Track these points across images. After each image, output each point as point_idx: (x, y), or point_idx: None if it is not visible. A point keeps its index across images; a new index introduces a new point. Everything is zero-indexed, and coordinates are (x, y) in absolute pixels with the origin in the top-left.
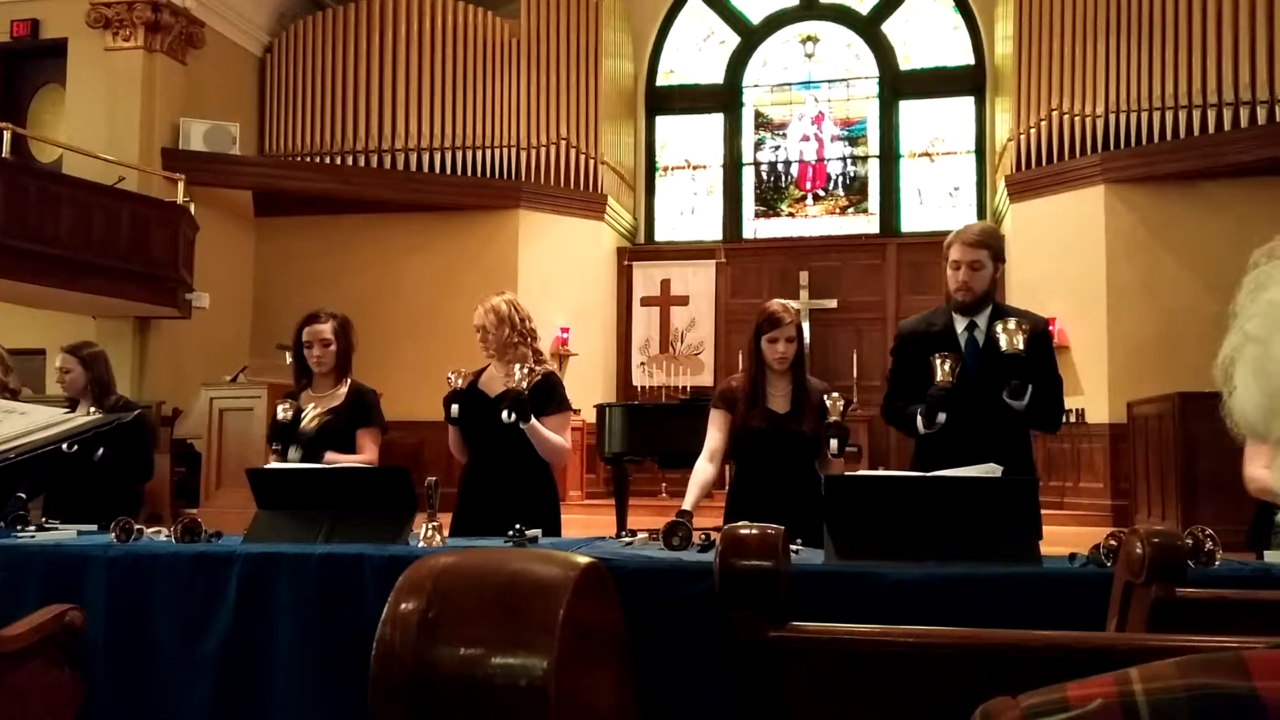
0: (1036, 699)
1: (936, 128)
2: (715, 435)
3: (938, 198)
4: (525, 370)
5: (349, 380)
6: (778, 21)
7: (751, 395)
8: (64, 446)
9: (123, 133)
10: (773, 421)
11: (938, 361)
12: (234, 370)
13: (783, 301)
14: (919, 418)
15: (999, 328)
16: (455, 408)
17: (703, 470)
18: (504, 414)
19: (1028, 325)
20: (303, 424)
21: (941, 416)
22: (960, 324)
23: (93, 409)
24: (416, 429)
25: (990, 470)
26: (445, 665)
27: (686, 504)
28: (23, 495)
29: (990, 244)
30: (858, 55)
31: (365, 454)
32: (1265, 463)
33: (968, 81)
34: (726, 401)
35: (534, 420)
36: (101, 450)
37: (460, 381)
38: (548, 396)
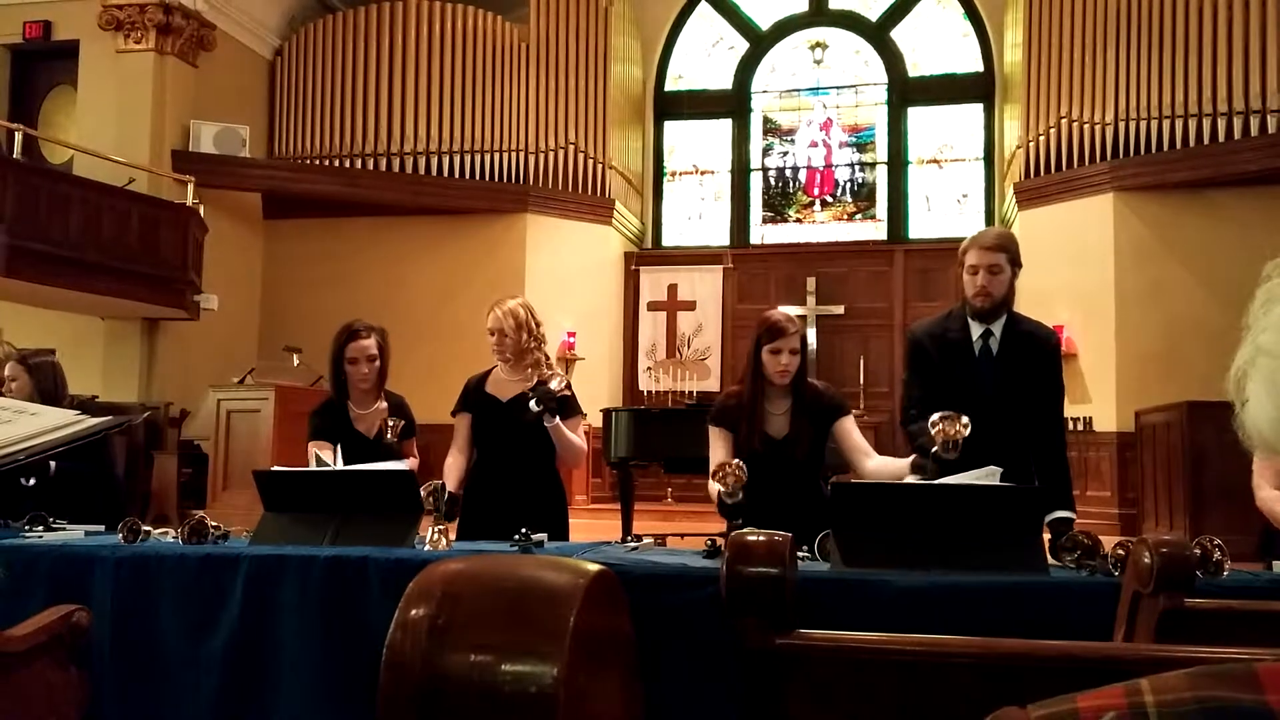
0: (1046, 710)
1: (945, 134)
2: (719, 455)
3: (946, 204)
4: (562, 384)
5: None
6: (787, 27)
7: (749, 417)
8: (21, 480)
9: (133, 134)
10: (771, 448)
11: (952, 429)
12: (241, 372)
13: (786, 310)
14: (926, 467)
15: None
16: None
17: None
18: (532, 402)
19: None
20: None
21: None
22: (975, 331)
23: None
24: (423, 432)
25: (990, 474)
26: (455, 671)
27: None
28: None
29: (1008, 248)
30: (866, 62)
31: (411, 459)
32: (1273, 481)
33: (976, 88)
34: (727, 420)
35: (557, 419)
36: (54, 465)
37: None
38: (565, 401)
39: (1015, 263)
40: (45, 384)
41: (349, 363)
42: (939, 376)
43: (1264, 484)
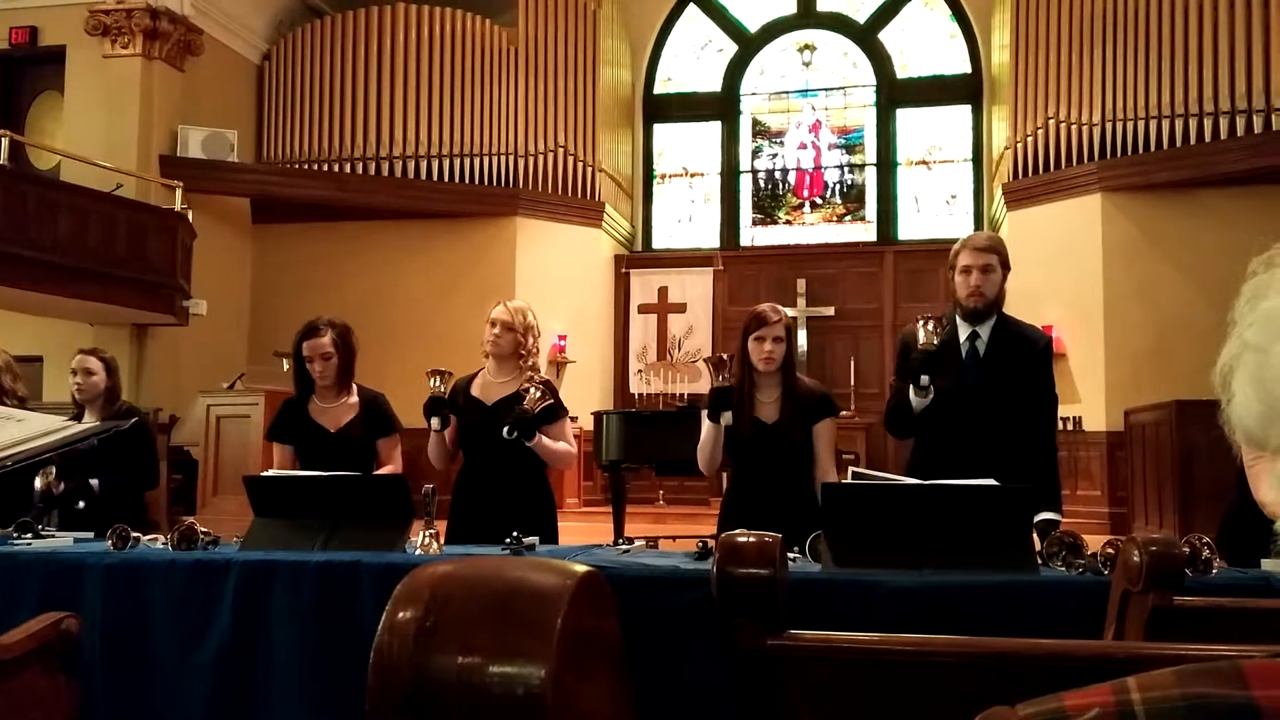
0: (1034, 708)
1: (933, 136)
2: None
3: (935, 206)
4: (539, 394)
5: (354, 387)
6: (775, 30)
7: (740, 401)
8: (54, 488)
9: (121, 140)
10: (761, 433)
11: (919, 324)
12: (231, 377)
13: (772, 304)
14: (910, 390)
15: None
16: (437, 421)
17: None
18: (505, 430)
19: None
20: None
21: (925, 379)
22: (963, 332)
23: (94, 417)
24: (413, 436)
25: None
26: (443, 674)
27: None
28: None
29: (999, 250)
30: (855, 64)
31: (391, 465)
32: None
33: (964, 90)
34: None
35: (538, 436)
36: (97, 483)
37: (440, 384)
38: (552, 406)
39: (1005, 264)
40: (115, 381)
41: (306, 360)
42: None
43: (1261, 485)
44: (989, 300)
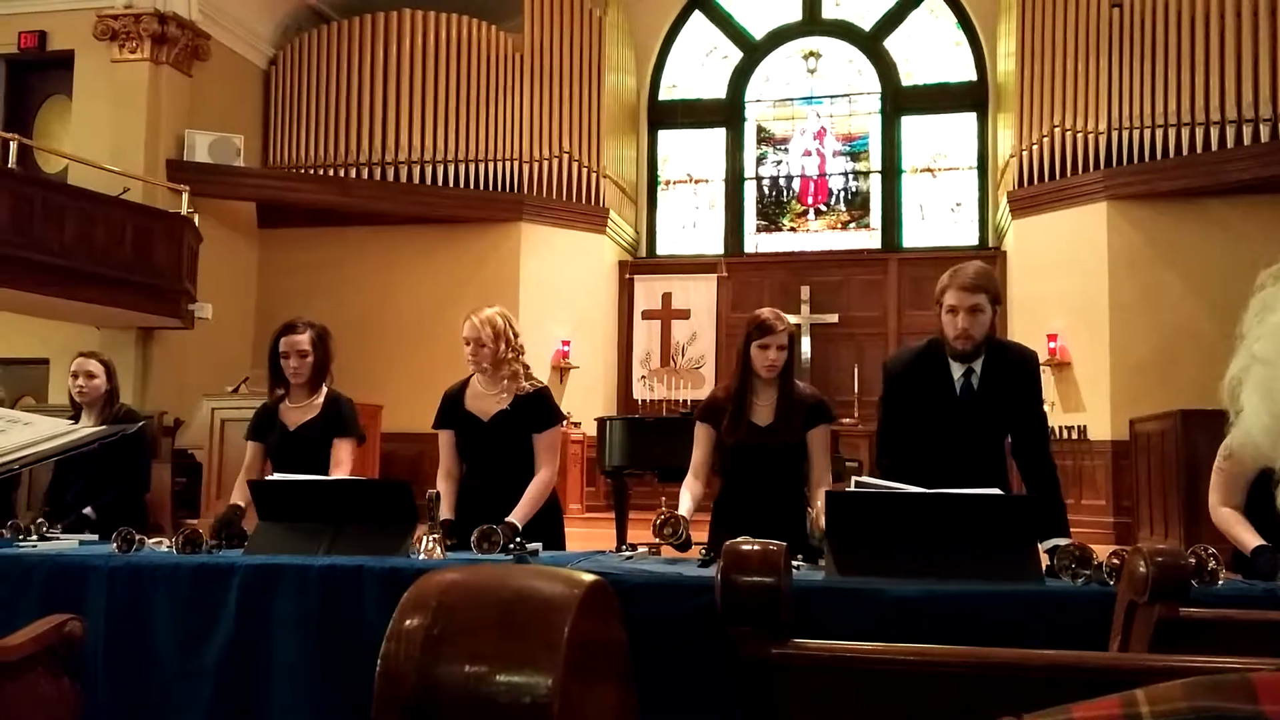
0: None
1: (938, 143)
2: (699, 451)
3: (939, 213)
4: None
5: (325, 389)
6: (780, 37)
7: (736, 407)
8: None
9: (128, 144)
10: (754, 434)
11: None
12: (236, 381)
13: (775, 310)
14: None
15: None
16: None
17: (690, 486)
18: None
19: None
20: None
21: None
22: (957, 370)
23: (92, 419)
24: (416, 441)
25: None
26: (449, 682)
27: (680, 509)
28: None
29: (988, 287)
30: (860, 71)
31: (340, 468)
32: (1224, 495)
33: (970, 97)
34: (711, 415)
35: (521, 515)
36: (91, 510)
37: (435, 515)
38: (544, 413)
39: (995, 300)
40: (114, 385)
41: (282, 356)
42: (919, 417)
43: (1217, 500)
44: (977, 342)
